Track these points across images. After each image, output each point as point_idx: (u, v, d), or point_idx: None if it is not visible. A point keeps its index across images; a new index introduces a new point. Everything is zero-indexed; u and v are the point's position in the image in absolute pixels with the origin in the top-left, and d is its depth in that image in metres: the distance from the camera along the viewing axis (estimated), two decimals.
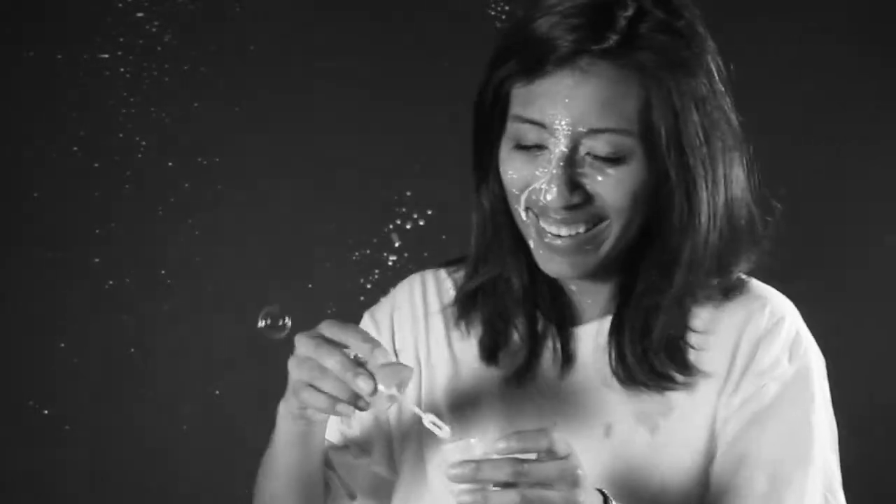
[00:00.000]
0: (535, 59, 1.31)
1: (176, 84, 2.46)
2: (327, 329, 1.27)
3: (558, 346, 1.42)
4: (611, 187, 1.31)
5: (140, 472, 2.52)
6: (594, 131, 1.29)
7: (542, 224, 1.34)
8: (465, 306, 1.45)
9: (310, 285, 2.50)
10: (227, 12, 2.49)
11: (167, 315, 2.50)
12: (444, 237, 2.34)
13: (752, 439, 1.35)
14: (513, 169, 1.34)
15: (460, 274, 1.48)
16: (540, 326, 1.43)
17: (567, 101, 1.29)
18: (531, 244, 1.36)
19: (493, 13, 2.23)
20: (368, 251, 2.43)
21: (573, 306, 1.43)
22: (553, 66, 1.30)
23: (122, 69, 2.44)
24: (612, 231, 1.33)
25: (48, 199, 2.48)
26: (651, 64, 1.30)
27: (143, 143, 2.47)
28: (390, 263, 2.41)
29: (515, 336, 1.43)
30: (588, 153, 1.30)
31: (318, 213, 2.51)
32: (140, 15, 2.42)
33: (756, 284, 1.43)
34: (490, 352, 1.43)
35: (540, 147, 1.32)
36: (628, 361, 1.37)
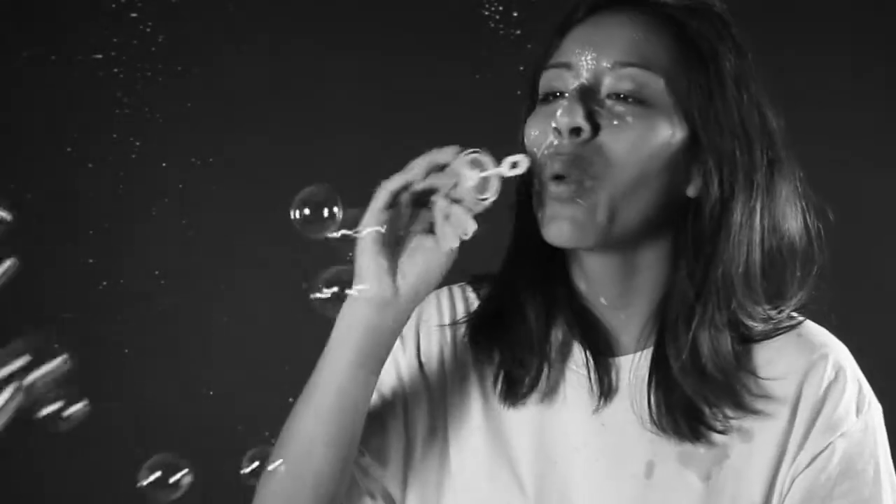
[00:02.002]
0: (566, 21, 1.28)
1: (169, 84, 2.46)
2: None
3: (594, 377, 1.32)
4: (621, 133, 1.22)
5: (134, 473, 2.52)
6: (619, 64, 1.23)
7: (548, 172, 1.23)
8: (481, 330, 1.35)
9: (304, 285, 2.50)
10: (220, 13, 2.49)
11: (161, 316, 2.49)
12: None
13: (821, 498, 1.27)
14: (535, 127, 1.26)
15: (486, 291, 1.39)
16: (576, 355, 1.33)
17: (595, 38, 1.24)
18: (539, 215, 1.26)
19: (486, 13, 2.23)
20: None
21: (611, 335, 1.33)
22: (584, 14, 1.27)
23: (115, 69, 2.43)
24: (607, 189, 1.22)
25: (42, 200, 2.47)
26: (691, 25, 1.24)
27: (137, 143, 2.47)
28: None
29: (545, 367, 1.33)
30: (610, 94, 1.23)
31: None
32: (133, 15, 2.41)
33: (812, 328, 1.33)
34: (511, 383, 1.33)
35: (565, 94, 1.25)
36: (670, 400, 1.27)
